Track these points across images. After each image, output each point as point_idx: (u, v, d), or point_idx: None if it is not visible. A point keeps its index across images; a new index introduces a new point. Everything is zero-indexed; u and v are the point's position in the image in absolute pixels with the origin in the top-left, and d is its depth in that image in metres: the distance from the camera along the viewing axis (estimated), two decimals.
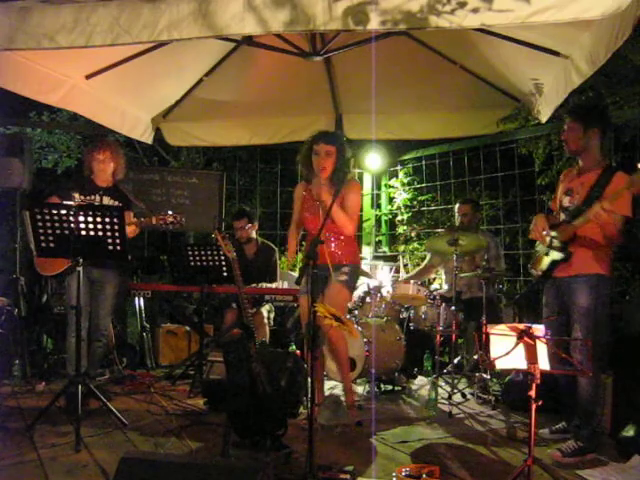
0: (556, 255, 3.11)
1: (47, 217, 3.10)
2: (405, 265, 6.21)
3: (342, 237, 3.52)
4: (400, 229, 6.63)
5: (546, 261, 3.20)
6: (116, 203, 3.93)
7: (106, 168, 3.91)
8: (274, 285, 5.01)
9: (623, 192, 2.77)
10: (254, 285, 4.81)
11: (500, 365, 2.47)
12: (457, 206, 5.01)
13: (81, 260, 3.24)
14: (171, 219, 3.95)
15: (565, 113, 3.32)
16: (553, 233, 3.09)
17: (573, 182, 3.19)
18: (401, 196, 6.64)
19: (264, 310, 4.94)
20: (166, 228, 4.01)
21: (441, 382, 4.29)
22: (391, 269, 5.78)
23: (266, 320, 4.91)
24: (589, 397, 3.02)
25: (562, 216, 3.16)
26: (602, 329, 3.02)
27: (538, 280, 3.35)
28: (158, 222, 3.94)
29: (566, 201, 3.17)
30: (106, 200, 3.91)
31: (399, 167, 6.68)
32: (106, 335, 4.06)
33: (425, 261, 5.24)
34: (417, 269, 5.32)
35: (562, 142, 3.24)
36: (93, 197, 3.87)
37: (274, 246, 5.31)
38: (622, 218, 2.92)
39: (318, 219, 3.43)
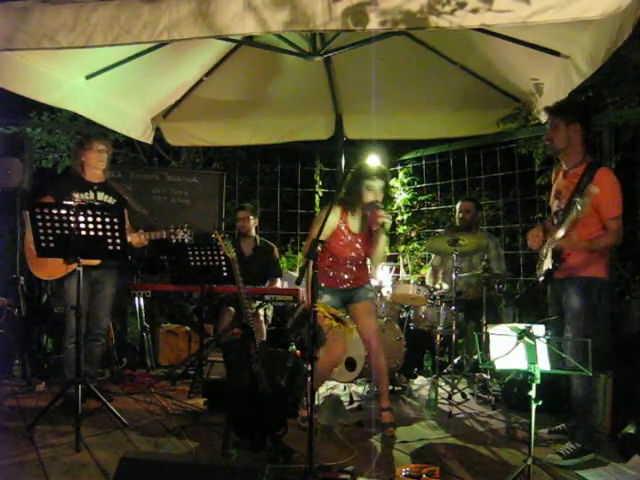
0: (548, 263, 3.11)
1: (47, 217, 3.09)
2: (405, 265, 6.20)
3: (361, 261, 3.57)
4: (400, 229, 6.63)
5: (543, 267, 3.21)
6: (111, 199, 3.91)
7: (103, 160, 3.86)
8: (279, 282, 5.01)
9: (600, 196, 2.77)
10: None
11: (500, 365, 2.47)
12: (459, 204, 4.99)
13: (81, 260, 3.24)
14: (181, 234, 3.93)
15: (545, 112, 3.30)
16: (547, 243, 3.10)
17: (560, 184, 3.19)
18: (401, 196, 6.64)
19: (260, 309, 4.93)
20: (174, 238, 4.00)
21: (441, 382, 4.29)
22: (391, 269, 5.76)
23: (262, 318, 4.90)
24: (582, 397, 3.01)
25: (555, 220, 3.17)
26: (594, 331, 2.94)
27: (540, 283, 3.34)
28: (168, 235, 3.93)
29: (555, 205, 3.19)
30: (100, 196, 3.88)
31: (399, 167, 6.68)
32: (105, 335, 4.06)
33: (431, 262, 5.22)
34: (429, 275, 5.27)
35: (547, 142, 3.23)
36: (87, 194, 3.83)
37: (273, 244, 5.32)
38: (616, 218, 2.91)
39: (349, 248, 3.47)
